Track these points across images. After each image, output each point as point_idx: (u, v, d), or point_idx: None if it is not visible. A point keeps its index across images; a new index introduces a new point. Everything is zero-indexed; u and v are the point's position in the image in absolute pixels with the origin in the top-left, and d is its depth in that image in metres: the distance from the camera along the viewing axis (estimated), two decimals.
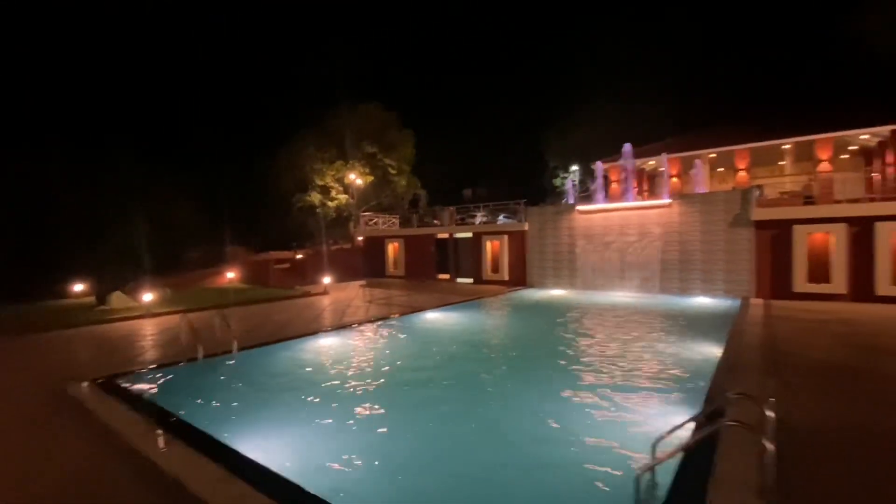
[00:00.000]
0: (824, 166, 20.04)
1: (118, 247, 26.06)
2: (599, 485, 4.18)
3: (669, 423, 4.48)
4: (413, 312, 13.68)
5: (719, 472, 3.72)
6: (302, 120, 34.37)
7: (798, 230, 13.94)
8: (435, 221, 26.03)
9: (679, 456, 3.93)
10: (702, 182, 17.75)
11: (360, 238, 29.05)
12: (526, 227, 20.03)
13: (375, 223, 28.60)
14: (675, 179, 24.32)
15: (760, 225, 14.62)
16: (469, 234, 22.29)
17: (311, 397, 6.84)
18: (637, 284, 16.92)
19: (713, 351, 8.41)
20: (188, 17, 42.79)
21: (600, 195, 18.23)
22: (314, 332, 10.95)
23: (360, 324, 11.97)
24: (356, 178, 32.47)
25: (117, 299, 15.73)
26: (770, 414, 3.48)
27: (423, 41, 60.46)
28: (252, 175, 36.71)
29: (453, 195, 46.29)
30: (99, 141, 32.84)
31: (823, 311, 12.16)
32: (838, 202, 14.67)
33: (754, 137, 21.17)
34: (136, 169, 31.45)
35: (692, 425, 4.38)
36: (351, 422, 5.89)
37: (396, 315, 13.25)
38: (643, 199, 17.97)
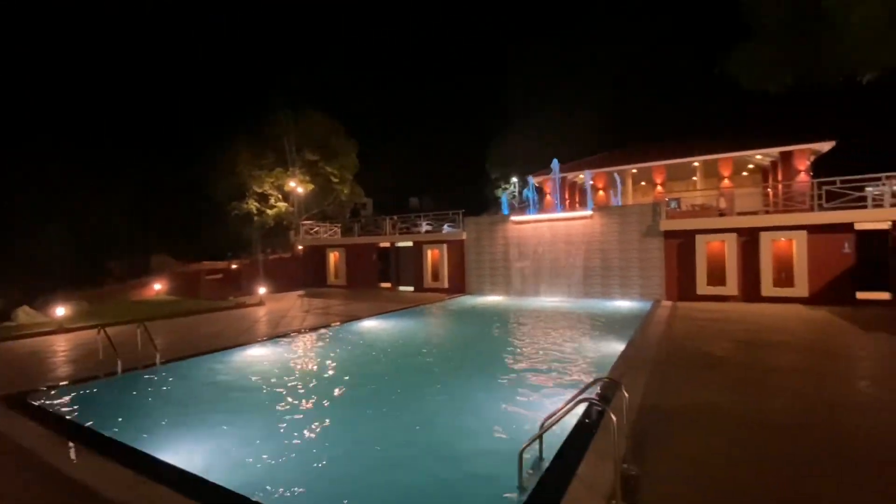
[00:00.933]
0: (727, 182, 22.61)
1: (28, 256, 23.81)
2: (493, 462, 4.70)
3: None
4: (349, 321, 13.85)
5: (594, 445, 4.40)
6: (241, 126, 33.32)
7: (699, 239, 15.67)
8: (377, 230, 26.23)
9: (563, 433, 4.60)
10: (619, 195, 19.36)
11: (301, 247, 28.59)
12: (464, 236, 20.79)
13: (316, 232, 28.27)
14: (601, 192, 26.27)
15: (669, 235, 16.27)
16: (410, 244, 22.72)
17: (234, 407, 6.92)
18: (564, 290, 18.12)
19: (618, 346, 9.39)
20: (121, 13, 40.08)
21: (532, 207, 19.37)
22: (242, 343, 10.80)
23: (292, 334, 11.95)
24: (296, 186, 31.94)
25: (24, 314, 14.55)
26: (625, 395, 4.18)
27: (371, 52, 60.73)
28: (187, 182, 34.91)
29: (401, 204, 46.74)
30: (8, 135, 29.81)
31: (718, 310, 13.77)
32: (727, 214, 16.68)
33: (669, 155, 23.44)
34: (52, 170, 28.84)
35: (581, 405, 5.05)
36: (269, 430, 6.02)
37: (332, 324, 13.35)
38: (569, 211, 19.29)
